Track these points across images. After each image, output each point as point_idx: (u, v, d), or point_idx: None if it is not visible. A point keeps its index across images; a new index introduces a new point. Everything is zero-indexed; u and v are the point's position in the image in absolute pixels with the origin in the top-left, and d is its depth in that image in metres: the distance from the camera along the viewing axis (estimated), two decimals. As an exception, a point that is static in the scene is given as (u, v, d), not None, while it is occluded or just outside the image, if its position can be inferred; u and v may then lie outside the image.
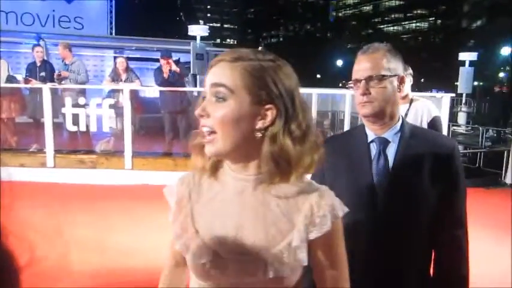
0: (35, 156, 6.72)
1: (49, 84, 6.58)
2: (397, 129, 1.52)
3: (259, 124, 0.95)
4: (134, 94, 6.73)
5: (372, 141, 1.54)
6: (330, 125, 9.92)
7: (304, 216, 0.98)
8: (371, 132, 1.54)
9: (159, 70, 6.59)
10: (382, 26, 69.41)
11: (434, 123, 3.20)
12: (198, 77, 10.56)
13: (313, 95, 8.71)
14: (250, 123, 0.95)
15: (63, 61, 6.83)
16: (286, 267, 0.97)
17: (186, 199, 1.06)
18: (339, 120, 9.54)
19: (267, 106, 0.94)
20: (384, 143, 1.52)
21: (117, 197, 5.87)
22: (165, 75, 6.56)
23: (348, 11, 73.76)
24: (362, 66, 1.48)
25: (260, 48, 10.06)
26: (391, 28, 69.80)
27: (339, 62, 30.49)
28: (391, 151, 1.51)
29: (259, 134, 0.95)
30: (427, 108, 3.28)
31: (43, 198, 5.67)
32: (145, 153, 6.77)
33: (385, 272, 1.49)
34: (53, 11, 15.15)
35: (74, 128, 6.53)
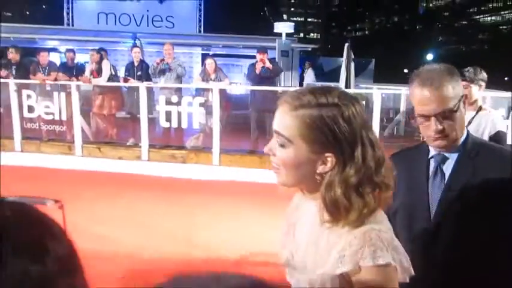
0: (132, 149, 7.21)
1: (145, 83, 7.00)
2: (457, 145, 1.48)
3: (320, 169, 0.99)
4: (223, 93, 6.94)
5: (431, 157, 1.52)
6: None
7: (341, 248, 0.98)
8: (432, 149, 1.52)
9: (253, 65, 6.73)
10: (478, 17, 64.61)
11: (497, 139, 2.93)
12: (283, 74, 10.64)
13: (402, 95, 8.40)
14: (310, 168, 1.00)
15: (161, 61, 7.17)
16: None
17: (289, 215, 1.20)
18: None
19: (327, 154, 0.98)
20: (441, 159, 1.49)
21: (204, 191, 6.11)
22: (257, 71, 6.69)
23: (439, 1, 69.65)
24: (427, 102, 1.42)
25: (346, 44, 9.88)
26: (488, 18, 64.75)
27: (429, 57, 29.02)
28: (448, 168, 1.48)
29: (319, 178, 1.00)
30: (491, 120, 3.03)
31: (138, 189, 6.08)
32: (233, 150, 6.96)
33: None
34: (147, 11, 16.04)
35: (166, 124, 6.89)
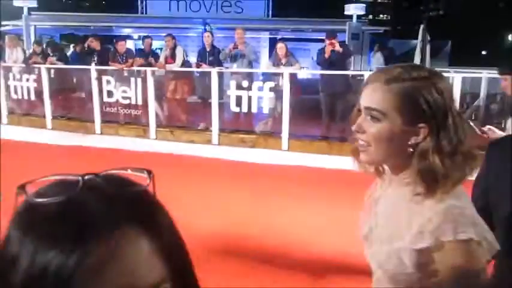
0: (203, 133, 7.39)
1: (217, 69, 7.11)
2: None
3: (412, 140, 1.02)
4: (293, 77, 6.89)
5: None
6: (498, 110, 8.85)
7: (420, 224, 1.00)
8: None
9: (322, 50, 6.62)
10: None
11: None
12: (353, 57, 10.36)
13: (483, 79, 7.87)
14: (402, 140, 1.02)
15: (234, 48, 7.24)
16: (394, 266, 1.05)
17: (371, 192, 1.24)
18: (507, 104, 8.48)
19: (420, 125, 1.01)
20: None
21: (272, 176, 6.15)
22: (326, 56, 6.57)
23: (524, -23, 63.93)
24: None
25: (422, 26, 9.40)
26: None
27: (511, 37, 26.91)
28: None
29: (411, 150, 1.02)
30: None
31: (208, 173, 6.24)
32: (302, 136, 6.92)
33: None
34: (217, -4, 16.19)
35: (237, 109, 6.98)
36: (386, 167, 1.16)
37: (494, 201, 1.44)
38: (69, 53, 9.73)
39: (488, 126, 3.29)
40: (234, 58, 7.19)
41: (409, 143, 1.02)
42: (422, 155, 1.01)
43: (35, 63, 8.36)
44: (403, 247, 1.03)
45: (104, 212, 0.43)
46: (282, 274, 3.47)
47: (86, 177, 0.45)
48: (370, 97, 1.05)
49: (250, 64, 7.24)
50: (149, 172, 0.51)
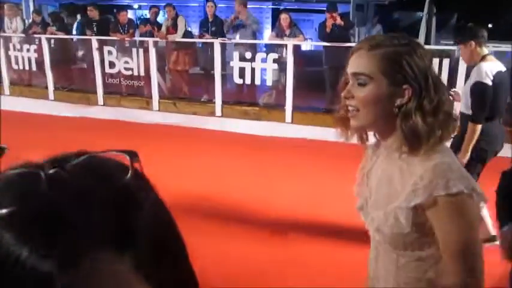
0: (206, 105, 7.36)
1: (219, 39, 7.01)
2: None
3: (398, 102, 1.08)
4: (297, 49, 6.81)
5: None
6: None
7: (412, 183, 1.06)
8: None
9: (324, 24, 6.51)
10: None
11: (472, 91, 3.11)
12: (358, 29, 10.21)
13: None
14: (388, 102, 1.09)
15: (235, 18, 7.15)
16: (390, 227, 1.11)
17: (363, 166, 1.32)
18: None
19: (404, 86, 1.08)
20: None
21: (276, 148, 6.15)
22: (328, 30, 6.46)
23: None
24: None
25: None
26: None
27: (518, 9, 26.45)
28: None
29: (396, 110, 1.09)
30: (476, 71, 3.14)
31: (211, 144, 6.24)
32: (305, 108, 6.89)
33: None
34: (218, -35, 15.82)
35: (240, 81, 6.92)
36: (375, 137, 1.23)
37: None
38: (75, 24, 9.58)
39: (454, 89, 3.54)
40: (236, 28, 7.09)
41: (395, 104, 1.09)
42: (406, 115, 1.07)
43: (35, 33, 8.25)
44: (399, 206, 1.09)
45: (70, 225, 0.31)
46: (279, 240, 3.51)
47: (51, 170, 0.34)
48: (356, 63, 1.12)
49: (253, 35, 7.14)
50: (134, 154, 0.40)
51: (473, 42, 3.21)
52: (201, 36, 7.37)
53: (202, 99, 7.50)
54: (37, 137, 6.29)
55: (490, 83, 3.03)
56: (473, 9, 21.36)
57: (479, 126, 3.04)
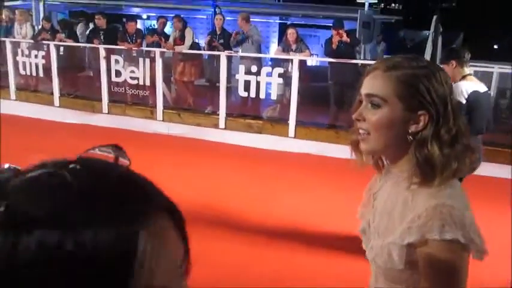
0: (210, 117, 7.38)
1: (226, 52, 7.06)
2: None
3: (412, 128, 1.02)
4: (302, 64, 6.84)
5: None
6: (508, 106, 8.75)
7: (410, 219, 1.00)
8: None
9: (330, 40, 6.54)
10: None
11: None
12: (364, 46, 10.25)
13: (494, 73, 7.77)
14: (402, 128, 1.03)
15: (237, 34, 7.22)
16: (384, 262, 1.05)
17: (371, 186, 1.25)
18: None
19: (420, 112, 1.01)
20: None
21: (278, 162, 6.15)
22: (334, 46, 6.49)
23: (540, -30, 62.68)
24: None
25: (435, 17, 9.27)
26: None
27: (524, 31, 26.53)
28: None
29: (411, 138, 1.03)
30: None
31: (214, 156, 6.25)
32: (309, 123, 6.89)
33: None
34: (227, -21, 15.99)
35: (245, 94, 6.94)
36: (385, 161, 1.17)
37: None
38: (80, 31, 9.65)
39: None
40: (239, 43, 7.15)
41: (409, 131, 1.03)
42: (421, 143, 1.00)
43: (44, 39, 8.34)
44: (393, 242, 1.03)
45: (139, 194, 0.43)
46: (278, 255, 3.50)
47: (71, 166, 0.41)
48: (370, 84, 1.06)
49: (258, 47, 7.19)
50: (118, 148, 0.50)
51: (454, 62, 3.44)
52: (211, 42, 7.37)
53: (206, 111, 7.52)
54: (40, 142, 6.32)
55: (464, 101, 3.25)
56: (478, 30, 21.46)
57: None
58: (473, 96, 3.30)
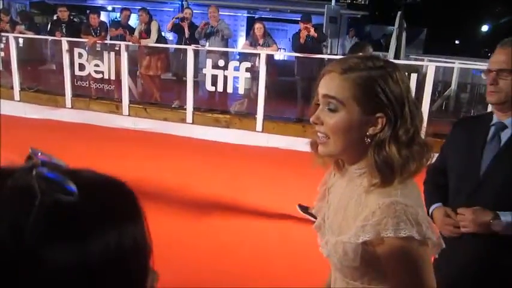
0: (177, 112, 7.30)
1: (193, 46, 6.99)
2: None
3: (370, 131, 1.01)
4: (270, 58, 6.85)
5: (493, 125, 1.65)
6: (468, 99, 9.05)
7: (364, 217, 1.00)
8: (495, 117, 1.65)
9: (297, 35, 6.58)
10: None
11: None
12: (330, 41, 10.36)
13: (455, 69, 8.01)
14: (360, 131, 1.01)
15: (205, 25, 7.16)
16: (339, 259, 1.06)
17: (325, 181, 1.27)
18: (478, 94, 8.67)
19: (378, 114, 1.00)
20: (501, 127, 1.63)
21: (246, 157, 6.16)
22: (302, 40, 6.54)
23: (500, -32, 64.78)
24: (496, 58, 1.58)
25: (399, 13, 9.47)
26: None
27: (484, 28, 27.43)
28: (505, 136, 1.61)
29: (368, 140, 1.02)
30: None
31: (181, 151, 6.20)
32: (277, 117, 6.92)
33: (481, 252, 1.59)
34: (194, -29, 15.80)
35: (212, 88, 6.90)
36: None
37: (449, 164, 1.76)
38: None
39: None
40: (207, 35, 7.10)
41: (367, 133, 1.02)
42: (380, 145, 1.00)
43: (2, 31, 8.02)
44: (348, 240, 1.02)
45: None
46: (245, 248, 3.51)
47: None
48: (328, 86, 1.04)
49: (224, 40, 7.15)
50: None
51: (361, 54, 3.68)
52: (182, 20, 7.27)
53: (173, 105, 7.44)
54: (1, 138, 6.09)
55: None
56: (441, 25, 22.05)
57: None
58: None
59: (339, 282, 1.16)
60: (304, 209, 4.01)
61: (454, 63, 8.38)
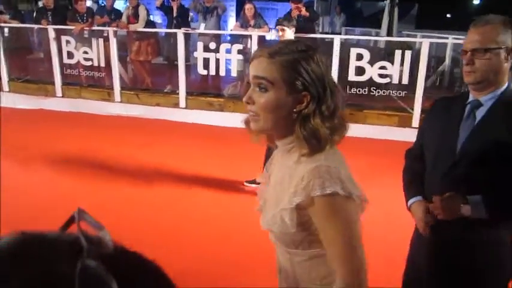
0: (169, 96, 7.21)
1: (183, 29, 6.86)
2: (494, 95, 1.61)
3: (297, 108, 1.13)
4: (261, 39, 6.75)
5: (468, 103, 1.67)
6: (461, 74, 8.96)
7: (295, 183, 1.12)
8: (471, 96, 1.67)
9: (289, 14, 6.47)
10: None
11: None
12: (322, 18, 10.23)
13: (448, 44, 7.94)
14: (288, 108, 1.13)
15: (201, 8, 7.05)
16: (278, 228, 1.16)
17: (268, 166, 1.38)
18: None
19: (303, 93, 1.12)
20: (476, 105, 1.65)
21: (241, 140, 6.10)
22: (293, 20, 6.43)
23: None
24: (470, 38, 1.61)
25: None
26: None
27: (475, 1, 27.27)
28: (480, 113, 1.63)
29: (295, 116, 1.13)
30: None
31: (175, 136, 6.15)
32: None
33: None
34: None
35: (204, 72, 6.81)
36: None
37: (426, 143, 1.81)
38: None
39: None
40: (204, 14, 6.98)
41: (294, 110, 1.13)
42: (305, 119, 1.12)
43: (-14, 21, 7.84)
44: (284, 208, 1.14)
45: None
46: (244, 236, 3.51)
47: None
48: (257, 68, 1.14)
49: (217, 22, 7.05)
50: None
51: (286, 28, 4.35)
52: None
53: (165, 90, 7.35)
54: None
55: None
56: (433, 0, 21.86)
57: None
58: None
59: (282, 255, 1.29)
60: (252, 182, 4.27)
61: (447, 38, 8.30)
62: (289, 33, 4.40)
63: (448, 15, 29.96)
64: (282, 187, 1.18)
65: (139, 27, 7.17)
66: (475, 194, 1.55)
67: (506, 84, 1.62)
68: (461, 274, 1.67)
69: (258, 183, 3.68)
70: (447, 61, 7.95)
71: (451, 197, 1.57)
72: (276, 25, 4.58)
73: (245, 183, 4.38)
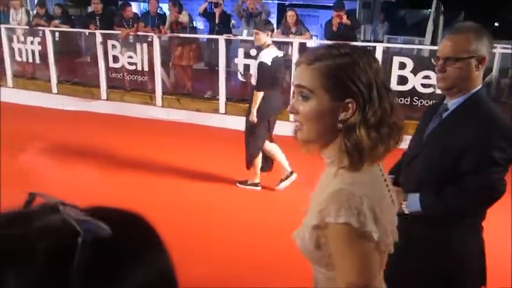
0: (209, 102, 7.30)
1: (224, 36, 6.94)
2: (461, 100, 1.69)
3: (342, 116, 1.05)
4: (303, 47, 6.73)
5: (441, 106, 1.78)
6: (509, 85, 8.62)
7: (320, 202, 1.06)
8: (445, 100, 1.78)
9: (330, 23, 6.44)
10: None
11: (257, 68, 4.36)
12: (364, 27, 10.12)
13: (496, 54, 7.63)
14: (332, 117, 1.06)
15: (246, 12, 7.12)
16: (300, 243, 1.12)
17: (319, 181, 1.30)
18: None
19: (347, 100, 1.04)
20: (444, 108, 1.75)
21: (280, 147, 6.09)
22: (334, 28, 6.39)
23: None
24: (443, 46, 1.68)
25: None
26: None
27: (525, 8, 26.20)
28: (445, 116, 1.74)
29: (340, 125, 1.06)
30: (260, 54, 4.39)
31: (214, 142, 6.21)
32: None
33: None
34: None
35: (244, 78, 6.85)
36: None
37: (409, 145, 1.91)
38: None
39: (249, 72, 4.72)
40: (248, 18, 7.04)
41: (339, 118, 1.06)
42: (350, 129, 1.04)
43: (38, 25, 8.20)
44: (306, 224, 1.10)
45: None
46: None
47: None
48: (298, 76, 1.10)
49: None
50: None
51: (270, 33, 4.37)
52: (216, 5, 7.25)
53: (206, 96, 7.44)
54: (39, 130, 6.27)
55: (269, 64, 4.16)
56: (480, 8, 21.18)
57: (261, 94, 4.29)
58: (275, 60, 4.29)
59: (314, 271, 1.22)
60: (243, 183, 4.51)
61: (495, 47, 7.98)
62: (263, 37, 4.31)
63: (496, 24, 28.92)
64: (317, 199, 1.13)
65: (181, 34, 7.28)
66: (427, 186, 1.69)
67: (475, 90, 1.69)
68: (420, 274, 1.71)
69: (250, 185, 4.26)
70: (494, 72, 7.66)
71: (398, 192, 1.63)
72: (253, 28, 4.61)
73: (237, 184, 4.49)
